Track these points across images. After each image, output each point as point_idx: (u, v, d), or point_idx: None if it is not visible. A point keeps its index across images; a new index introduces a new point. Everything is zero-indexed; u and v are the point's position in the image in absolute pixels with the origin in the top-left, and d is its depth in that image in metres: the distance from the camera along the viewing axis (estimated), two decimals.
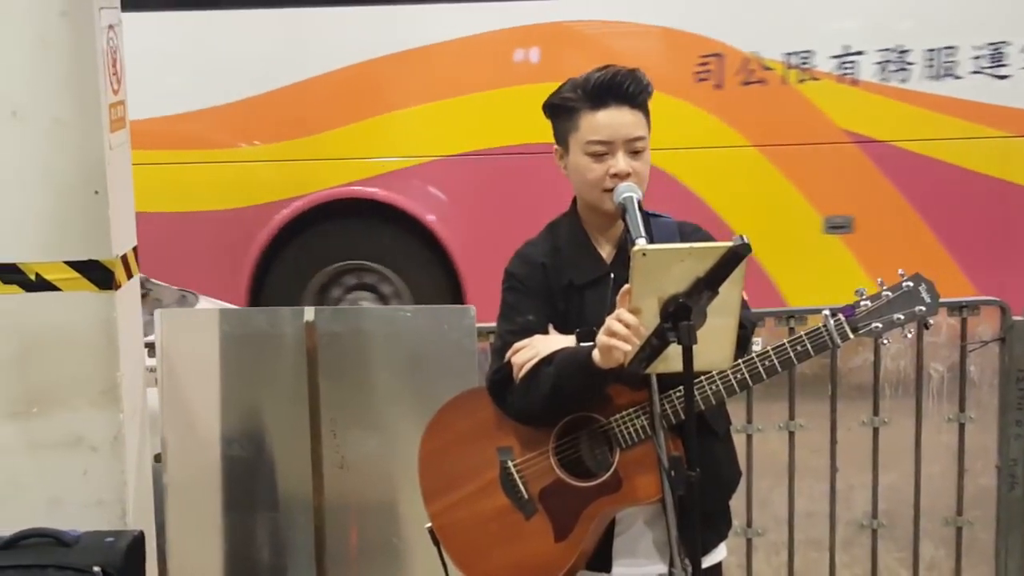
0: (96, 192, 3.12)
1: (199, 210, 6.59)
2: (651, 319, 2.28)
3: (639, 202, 2.47)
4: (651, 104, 2.55)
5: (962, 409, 4.03)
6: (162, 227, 6.21)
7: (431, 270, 6.73)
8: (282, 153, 6.65)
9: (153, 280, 5.47)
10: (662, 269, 2.24)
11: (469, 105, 6.62)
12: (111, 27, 3.22)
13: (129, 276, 3.29)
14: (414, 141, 6.66)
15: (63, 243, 3.13)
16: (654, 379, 2.42)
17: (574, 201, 2.63)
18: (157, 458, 3.56)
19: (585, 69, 2.54)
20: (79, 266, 3.14)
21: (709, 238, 2.53)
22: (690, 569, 2.37)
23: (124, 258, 3.25)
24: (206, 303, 5.31)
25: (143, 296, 5.17)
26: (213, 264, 6.65)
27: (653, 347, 2.30)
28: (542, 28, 6.55)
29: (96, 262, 3.14)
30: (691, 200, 6.54)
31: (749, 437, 3.94)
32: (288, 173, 6.65)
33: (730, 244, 2.22)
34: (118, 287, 3.18)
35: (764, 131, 6.60)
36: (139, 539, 3.08)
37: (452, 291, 6.65)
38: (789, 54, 6.49)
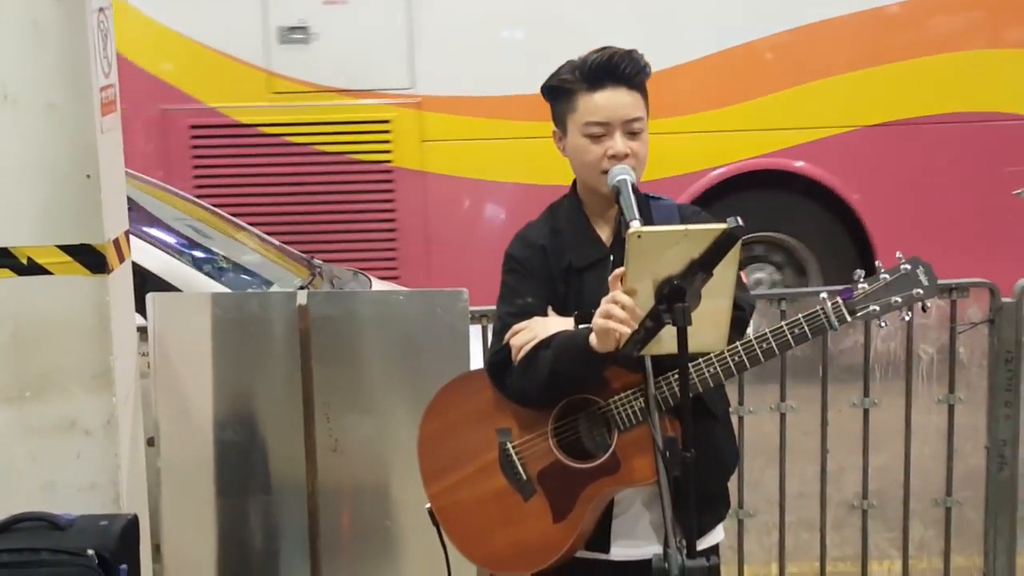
0: (88, 176, 3.10)
1: None
2: (646, 301, 2.29)
3: (634, 184, 2.47)
4: None
5: (952, 390, 4.06)
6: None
7: (841, 241, 6.80)
8: (700, 124, 6.73)
9: (319, 260, 5.46)
10: (657, 251, 2.25)
11: (885, 75, 6.69)
12: (101, 10, 3.20)
13: (121, 260, 3.28)
14: (826, 112, 6.73)
15: (55, 227, 3.11)
16: (648, 361, 2.42)
17: (574, 183, 2.63)
18: (150, 442, 3.55)
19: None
20: (71, 250, 3.12)
21: (709, 220, 2.53)
22: (685, 549, 2.38)
23: (116, 242, 3.23)
24: (380, 286, 5.27)
25: (317, 275, 5.15)
26: None
27: (647, 329, 2.30)
28: None
29: (88, 246, 3.12)
30: None
31: (741, 419, 3.95)
32: (705, 144, 6.74)
33: (724, 226, 2.22)
34: (110, 271, 3.17)
35: None
36: (133, 522, 3.07)
37: (861, 262, 6.59)
38: None
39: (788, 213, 6.87)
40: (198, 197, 5.95)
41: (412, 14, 6.81)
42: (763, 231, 6.78)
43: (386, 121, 6.85)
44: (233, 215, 5.67)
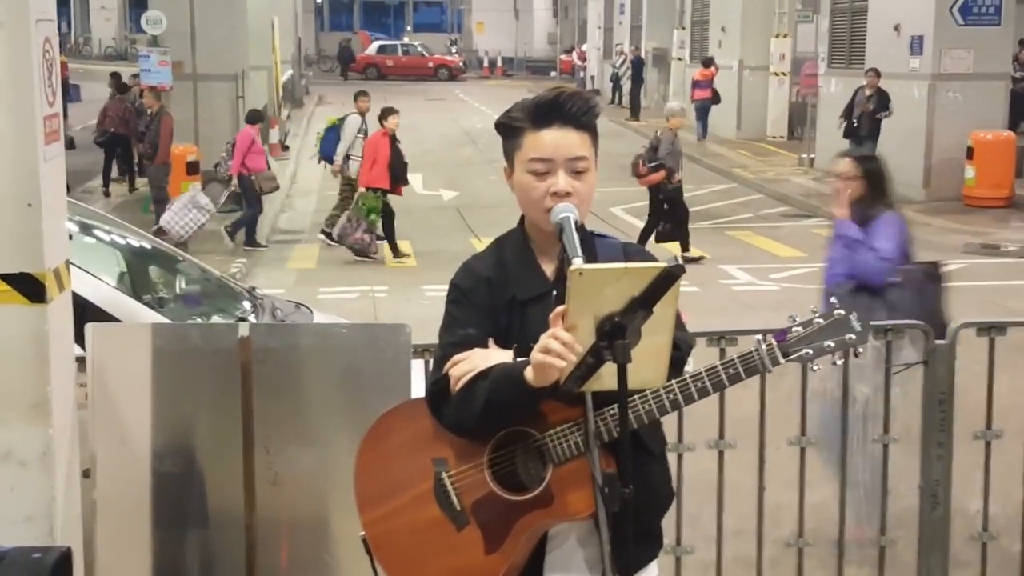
0: (29, 205, 3.09)
1: None
2: (587, 337, 2.32)
3: (577, 222, 2.51)
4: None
5: (886, 431, 4.12)
6: None
7: None
8: None
9: (263, 291, 5.39)
10: (598, 288, 2.29)
11: None
12: (47, 40, 3.20)
13: (61, 289, 3.26)
14: None
15: None
16: (589, 397, 2.45)
17: (522, 218, 2.66)
18: (86, 474, 3.52)
19: None
20: (10, 279, 3.11)
21: (652, 260, 2.57)
22: None
23: (56, 271, 3.22)
24: (321, 318, 5.20)
25: (255, 305, 5.10)
26: None
27: (588, 365, 2.34)
28: None
29: (28, 275, 3.11)
30: None
31: (680, 456, 3.98)
32: None
33: (664, 264, 2.27)
34: (50, 300, 3.15)
35: None
36: (66, 555, 3.04)
37: None
38: None
39: None
40: None
41: None
42: None
43: None
44: None
